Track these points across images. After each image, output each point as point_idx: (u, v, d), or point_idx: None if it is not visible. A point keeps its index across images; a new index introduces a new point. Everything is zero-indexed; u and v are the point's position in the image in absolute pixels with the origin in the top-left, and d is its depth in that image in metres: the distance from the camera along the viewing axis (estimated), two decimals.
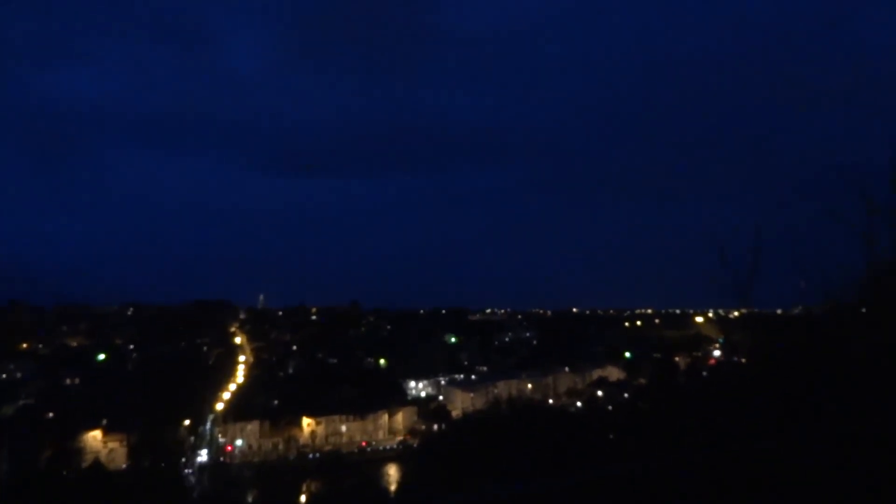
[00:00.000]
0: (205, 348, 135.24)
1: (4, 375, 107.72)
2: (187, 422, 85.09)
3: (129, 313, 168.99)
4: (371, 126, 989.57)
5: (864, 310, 6.04)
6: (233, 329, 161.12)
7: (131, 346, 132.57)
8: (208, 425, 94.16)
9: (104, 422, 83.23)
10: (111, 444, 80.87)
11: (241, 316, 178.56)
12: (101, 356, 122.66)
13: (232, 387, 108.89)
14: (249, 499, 61.13)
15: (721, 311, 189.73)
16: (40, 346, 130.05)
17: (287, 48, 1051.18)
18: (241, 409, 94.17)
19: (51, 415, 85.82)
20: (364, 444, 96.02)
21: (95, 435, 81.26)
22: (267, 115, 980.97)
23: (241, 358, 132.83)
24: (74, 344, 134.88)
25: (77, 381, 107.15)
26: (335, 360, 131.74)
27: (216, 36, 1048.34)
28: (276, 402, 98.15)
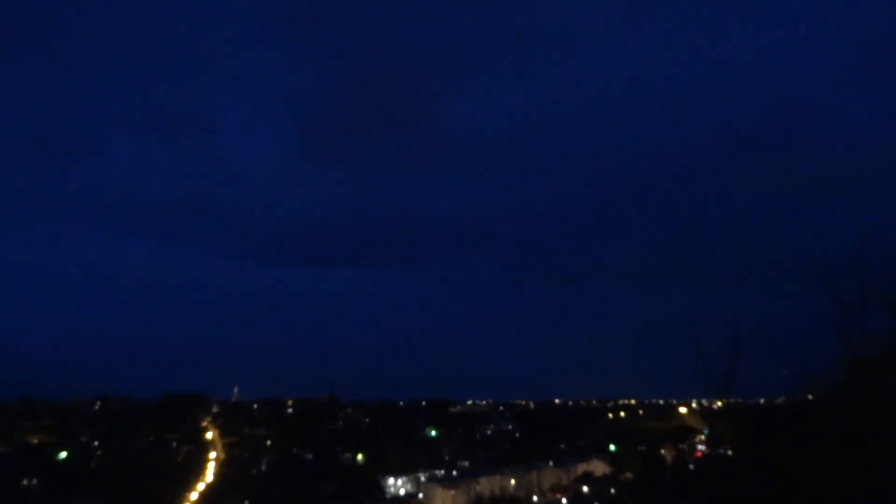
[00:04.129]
0: (174, 444, 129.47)
1: None
2: None
3: (97, 407, 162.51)
4: (357, 217, 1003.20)
5: (846, 401, 6.04)
6: (204, 423, 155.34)
7: (96, 443, 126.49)
8: None
9: None
10: None
11: (214, 409, 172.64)
12: (63, 454, 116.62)
13: (200, 486, 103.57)
14: None
15: (704, 402, 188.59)
16: None
17: (285, 142, 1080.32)
18: None
19: None
20: None
21: None
22: (255, 207, 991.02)
23: (212, 454, 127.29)
24: (35, 441, 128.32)
25: (35, 482, 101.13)
26: (310, 456, 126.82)
27: (215, 130, 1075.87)
28: (246, 502, 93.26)
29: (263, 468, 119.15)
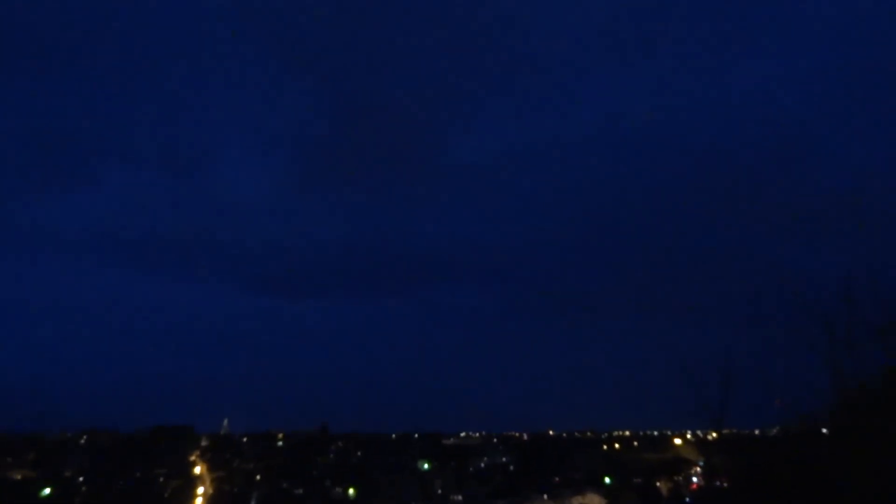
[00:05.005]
0: (161, 479, 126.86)
1: None
2: None
3: (83, 442, 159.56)
4: (352, 249, 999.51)
5: (839, 432, 6.08)
6: (193, 458, 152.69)
7: (81, 479, 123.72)
8: None
9: None
10: None
11: (203, 443, 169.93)
12: (47, 490, 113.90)
13: None
14: None
15: (699, 433, 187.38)
16: None
17: (280, 176, 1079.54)
18: None
19: None
20: None
21: None
22: (251, 238, 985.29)
23: (200, 489, 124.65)
24: (19, 477, 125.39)
25: None
26: (301, 491, 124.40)
27: (212, 163, 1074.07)
28: None
29: (253, 503, 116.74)
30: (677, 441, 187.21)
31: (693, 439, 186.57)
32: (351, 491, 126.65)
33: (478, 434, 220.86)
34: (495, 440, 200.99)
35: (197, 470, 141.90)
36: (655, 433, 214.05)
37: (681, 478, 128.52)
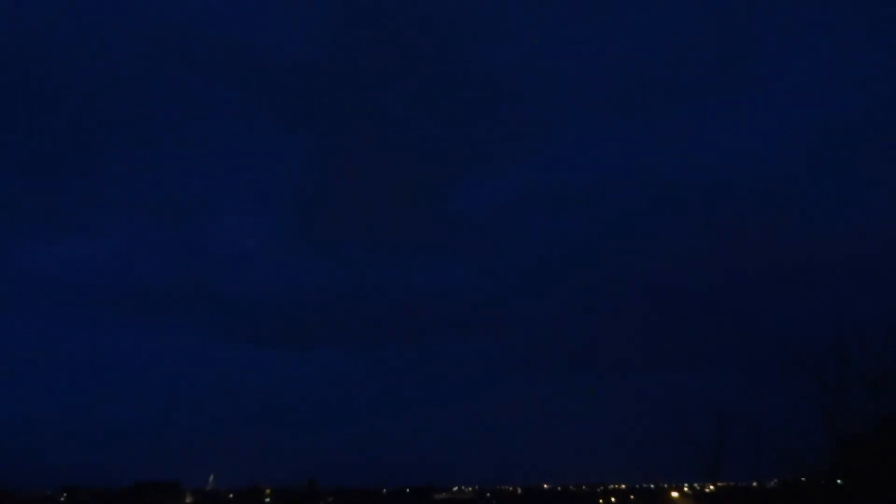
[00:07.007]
0: None
1: None
2: None
3: (63, 499, 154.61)
4: (348, 301, 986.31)
5: (836, 483, 6.14)
6: None
7: None
8: None
9: None
10: None
11: (188, 499, 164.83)
12: None
13: None
14: None
15: (696, 485, 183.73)
16: None
17: (280, 226, 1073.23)
18: None
19: None
20: None
21: None
22: (246, 289, 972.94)
23: None
24: None
25: None
26: None
27: (212, 215, 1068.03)
28: None
29: None
30: (674, 494, 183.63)
31: (690, 492, 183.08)
32: None
33: (470, 488, 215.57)
34: (488, 494, 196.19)
35: None
36: (651, 486, 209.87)
37: None
